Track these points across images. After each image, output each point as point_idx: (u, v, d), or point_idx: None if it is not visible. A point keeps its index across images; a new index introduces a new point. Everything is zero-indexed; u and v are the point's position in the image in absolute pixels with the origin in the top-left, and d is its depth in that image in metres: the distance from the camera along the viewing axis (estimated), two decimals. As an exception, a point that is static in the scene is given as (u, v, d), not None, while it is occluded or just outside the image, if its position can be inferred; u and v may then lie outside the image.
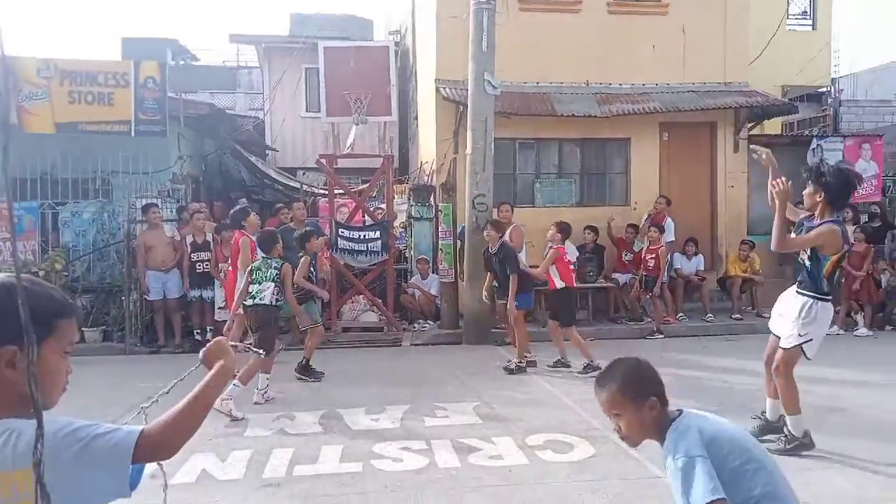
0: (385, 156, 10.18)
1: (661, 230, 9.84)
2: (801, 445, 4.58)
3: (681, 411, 2.10)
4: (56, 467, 1.25)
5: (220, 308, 9.08)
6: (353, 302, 10.17)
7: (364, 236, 9.91)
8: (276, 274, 6.26)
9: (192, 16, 49.29)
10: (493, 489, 4.14)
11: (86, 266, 9.63)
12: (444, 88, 10.61)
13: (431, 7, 11.42)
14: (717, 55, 11.45)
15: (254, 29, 42.12)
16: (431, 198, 10.35)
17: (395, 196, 10.90)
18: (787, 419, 4.65)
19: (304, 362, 7.16)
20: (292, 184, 14.08)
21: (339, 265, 9.78)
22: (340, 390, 6.75)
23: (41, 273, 8.99)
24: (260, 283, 6.25)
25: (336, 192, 10.63)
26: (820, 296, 4.54)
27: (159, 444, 1.38)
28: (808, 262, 4.58)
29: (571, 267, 7.88)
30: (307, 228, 8.24)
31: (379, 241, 9.77)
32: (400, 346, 9.24)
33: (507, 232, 9.06)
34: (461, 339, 9.30)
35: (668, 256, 9.86)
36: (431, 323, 10.12)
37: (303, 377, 7.10)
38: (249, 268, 6.47)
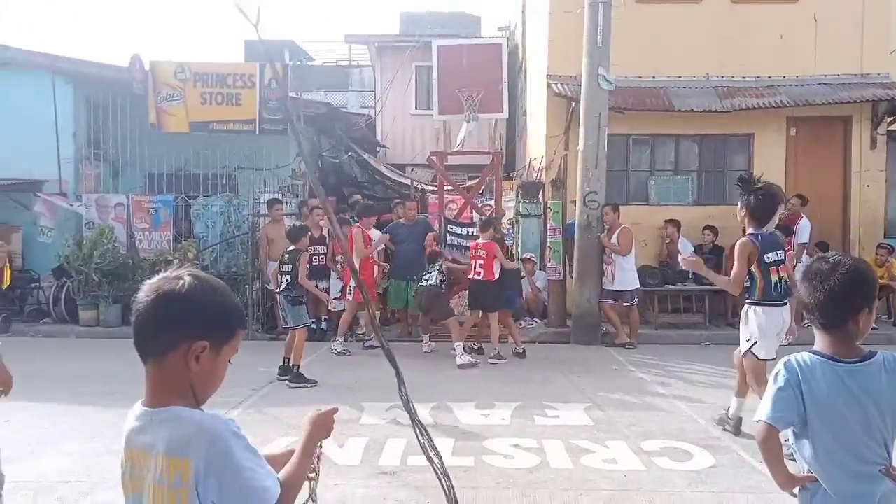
0: (494, 152, 10.22)
1: (790, 232, 9.25)
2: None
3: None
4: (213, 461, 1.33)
5: (335, 299, 9.45)
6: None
7: (472, 232, 9.97)
8: (440, 265, 8.26)
9: (307, 15, 51.49)
10: (608, 494, 4.07)
11: (214, 255, 10.30)
12: (556, 84, 10.49)
13: (544, 3, 11.31)
14: (853, 45, 10.63)
15: (366, 28, 43.39)
16: (540, 194, 10.27)
17: (504, 192, 10.90)
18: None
19: (295, 369, 6.76)
20: (402, 180, 14.39)
21: (447, 261, 9.90)
22: (449, 384, 6.85)
23: (175, 261, 9.73)
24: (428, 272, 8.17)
25: (445, 188, 10.77)
26: (752, 301, 4.85)
27: None
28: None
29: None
30: (300, 224, 8.49)
31: (487, 238, 9.79)
32: (507, 342, 9.24)
33: (616, 234, 8.87)
34: (569, 338, 9.19)
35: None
36: (538, 321, 10.06)
37: (298, 384, 6.67)
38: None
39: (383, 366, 7.49)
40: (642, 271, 9.27)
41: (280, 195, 10.35)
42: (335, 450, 4.84)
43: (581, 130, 9.12)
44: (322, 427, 1.67)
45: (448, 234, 9.87)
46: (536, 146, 12.19)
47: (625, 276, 8.85)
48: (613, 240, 8.89)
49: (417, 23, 19.82)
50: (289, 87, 11.11)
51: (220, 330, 1.42)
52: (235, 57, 17.08)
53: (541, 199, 10.18)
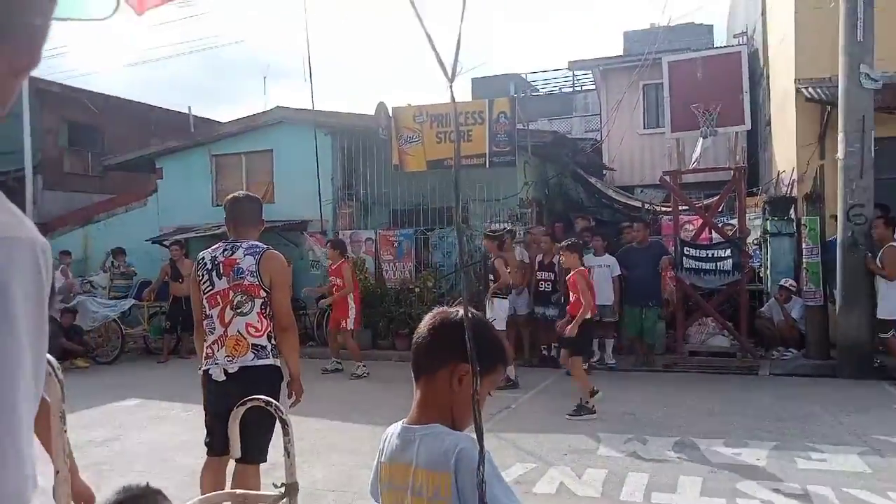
0: (736, 167, 9.49)
1: None
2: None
3: None
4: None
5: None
6: (699, 325, 9.64)
7: (712, 255, 9.34)
8: None
9: (532, 47, 52.91)
10: (898, 556, 3.48)
11: (450, 284, 10.88)
12: (806, 88, 9.48)
13: (788, 2, 10.34)
14: None
15: (589, 52, 43.25)
16: (792, 210, 9.30)
17: (748, 210, 10.05)
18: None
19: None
20: (632, 203, 13.98)
21: (684, 286, 9.37)
22: (693, 417, 6.41)
23: (416, 289, 10.46)
24: None
25: (680, 208, 10.23)
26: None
27: None
28: None
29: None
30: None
31: (730, 261, 9.10)
32: (756, 374, 8.44)
33: (881, 253, 7.67)
34: (833, 371, 8.11)
35: None
36: (794, 351, 9.03)
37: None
38: None
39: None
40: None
41: (509, 224, 10.65)
42: (574, 479, 4.78)
43: (840, 137, 8.09)
44: None
45: (685, 258, 9.34)
46: (784, 158, 11.08)
47: (888, 303, 7.64)
48: (879, 260, 7.72)
49: (643, 40, 19.23)
50: (516, 119, 11.43)
51: (484, 360, 1.49)
52: (463, 95, 18.19)
53: (792, 216, 9.20)
